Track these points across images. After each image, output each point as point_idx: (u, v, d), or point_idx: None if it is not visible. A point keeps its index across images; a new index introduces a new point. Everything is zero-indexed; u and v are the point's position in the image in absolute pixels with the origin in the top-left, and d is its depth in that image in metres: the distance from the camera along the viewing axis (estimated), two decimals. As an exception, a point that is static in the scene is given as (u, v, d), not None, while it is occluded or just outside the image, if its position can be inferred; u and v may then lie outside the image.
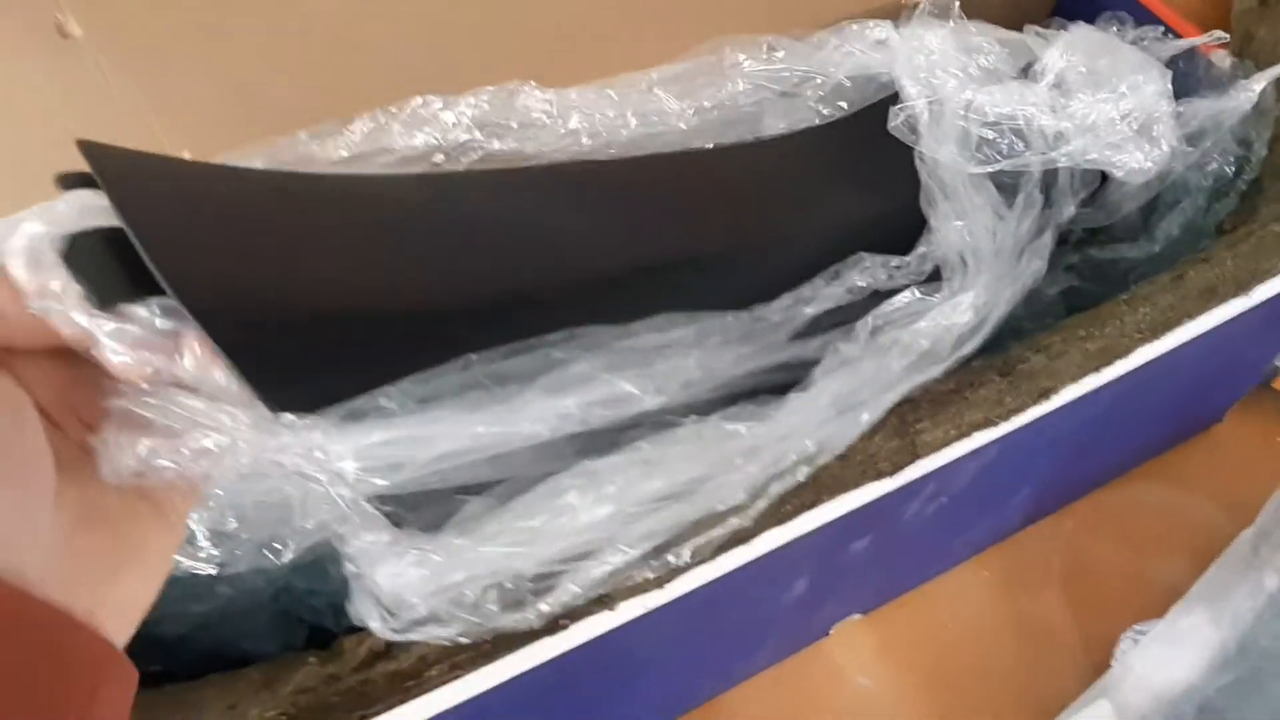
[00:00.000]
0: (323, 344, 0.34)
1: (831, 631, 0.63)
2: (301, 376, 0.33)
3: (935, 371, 0.45)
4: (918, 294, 0.45)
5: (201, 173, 0.37)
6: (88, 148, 0.31)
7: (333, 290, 0.35)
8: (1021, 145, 0.50)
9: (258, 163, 0.45)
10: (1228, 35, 0.63)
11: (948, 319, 0.45)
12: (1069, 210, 0.56)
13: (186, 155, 0.49)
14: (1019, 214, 0.50)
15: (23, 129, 0.50)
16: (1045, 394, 0.46)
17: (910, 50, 0.49)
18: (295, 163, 0.46)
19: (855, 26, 0.52)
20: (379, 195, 0.40)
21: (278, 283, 0.33)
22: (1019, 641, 0.65)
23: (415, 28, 0.53)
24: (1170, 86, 0.55)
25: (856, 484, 0.43)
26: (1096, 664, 0.64)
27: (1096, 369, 0.47)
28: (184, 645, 0.46)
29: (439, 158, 0.47)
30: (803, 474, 0.41)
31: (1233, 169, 0.59)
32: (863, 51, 0.51)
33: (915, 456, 0.44)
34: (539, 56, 0.54)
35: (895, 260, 0.45)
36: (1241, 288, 0.49)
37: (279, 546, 0.44)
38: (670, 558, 0.39)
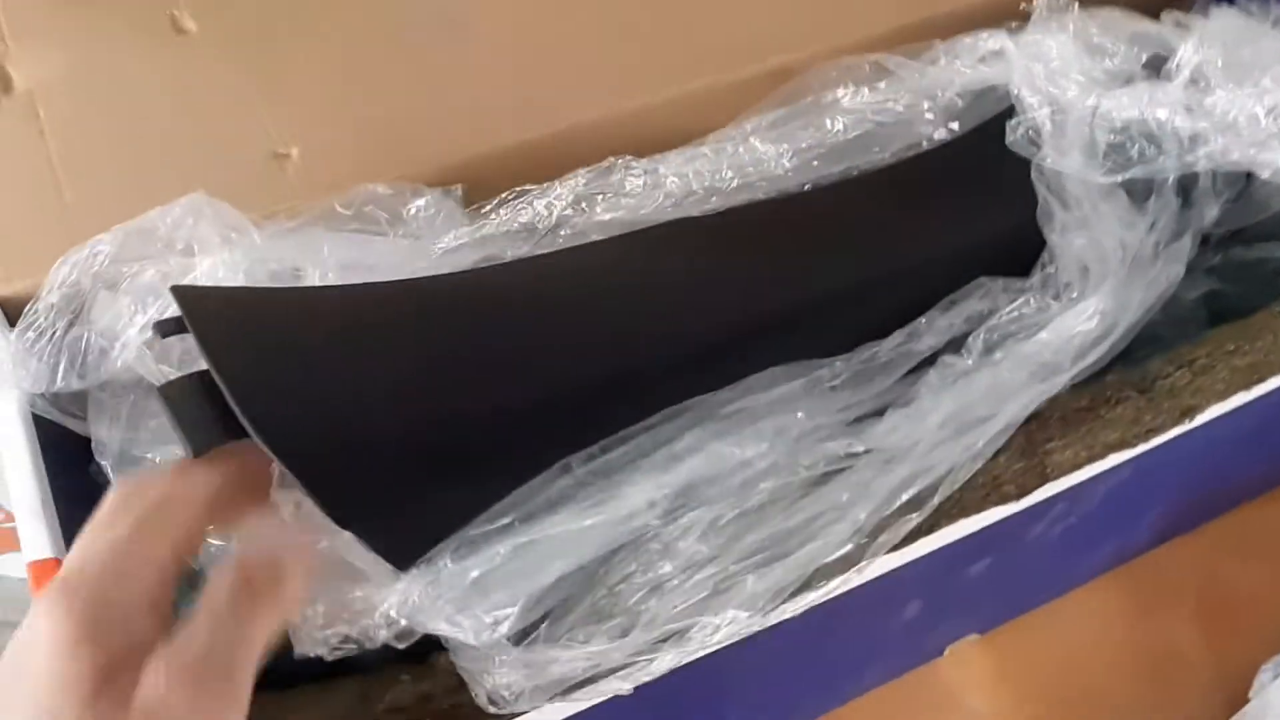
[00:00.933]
0: (425, 482, 0.33)
1: (946, 652, 0.61)
2: (412, 524, 0.33)
3: (1058, 383, 0.42)
4: (1034, 302, 0.42)
5: (291, 304, 0.38)
6: (180, 292, 0.32)
7: (424, 423, 0.34)
8: (1154, 150, 0.46)
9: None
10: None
11: (1070, 327, 0.42)
12: (1211, 212, 0.52)
13: (295, 152, 0.49)
14: (1152, 218, 0.47)
15: (138, 124, 0.50)
16: (1189, 413, 0.43)
17: (1028, 58, 0.46)
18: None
19: (968, 40, 0.49)
20: (461, 296, 0.40)
21: (371, 427, 0.33)
22: (1146, 669, 0.62)
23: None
24: None
25: (978, 508, 0.41)
26: (1231, 698, 0.60)
27: (1246, 386, 0.43)
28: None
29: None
30: (913, 521, 0.38)
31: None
32: (973, 67, 0.48)
33: (1044, 479, 0.41)
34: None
35: (1018, 283, 0.43)
36: None
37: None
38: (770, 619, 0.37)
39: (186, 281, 0.44)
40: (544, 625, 0.35)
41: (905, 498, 0.38)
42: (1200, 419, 0.43)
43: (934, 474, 0.38)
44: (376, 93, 0.51)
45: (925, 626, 0.55)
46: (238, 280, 0.45)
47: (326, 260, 0.46)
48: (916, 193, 0.48)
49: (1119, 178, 0.44)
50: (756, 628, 0.37)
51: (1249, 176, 0.52)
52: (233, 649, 0.28)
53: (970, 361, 0.41)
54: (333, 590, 0.32)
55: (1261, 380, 0.43)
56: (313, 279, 0.46)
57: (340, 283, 0.45)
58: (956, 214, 0.47)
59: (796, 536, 0.37)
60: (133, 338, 0.43)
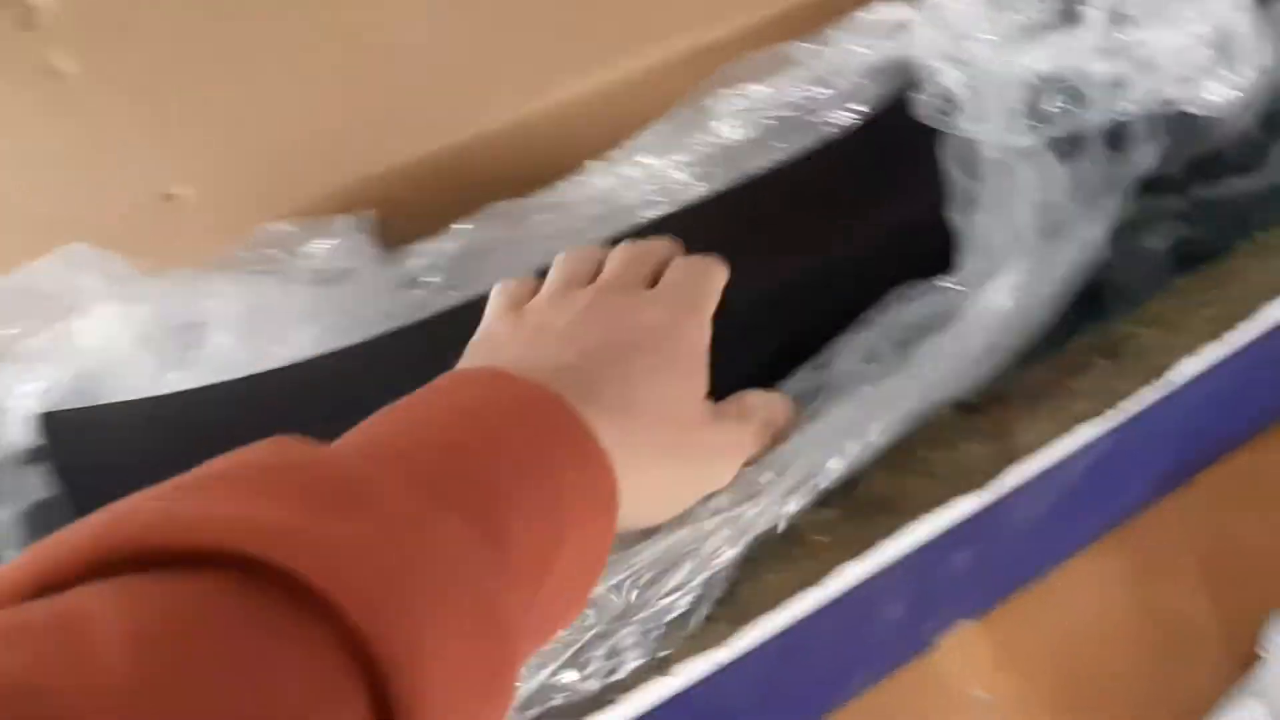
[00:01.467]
0: None
1: (940, 641, 0.58)
2: None
3: (978, 374, 0.40)
4: (944, 295, 0.40)
5: (154, 416, 0.40)
6: (47, 419, 0.38)
7: None
8: (1076, 102, 0.44)
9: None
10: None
11: (983, 310, 0.39)
12: (1148, 159, 0.49)
13: (189, 191, 0.46)
14: (1077, 175, 0.44)
15: (13, 174, 0.47)
16: (1159, 372, 0.40)
17: (931, 25, 0.43)
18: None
19: (865, 14, 0.46)
20: (305, 388, 0.41)
21: None
22: (1152, 636, 0.59)
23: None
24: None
25: (945, 500, 0.38)
26: (1242, 656, 0.57)
27: (1216, 335, 0.41)
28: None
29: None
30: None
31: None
32: (873, 44, 0.45)
33: (1011, 461, 0.38)
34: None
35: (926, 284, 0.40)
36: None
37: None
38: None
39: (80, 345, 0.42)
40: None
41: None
42: (1174, 377, 0.40)
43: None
44: (271, 119, 0.47)
45: (913, 622, 0.52)
46: (133, 339, 0.42)
47: (229, 311, 0.43)
48: (812, 194, 0.45)
49: (1042, 138, 0.42)
50: (719, 651, 0.35)
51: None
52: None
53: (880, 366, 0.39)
54: None
55: (1231, 328, 0.41)
56: (215, 332, 0.43)
57: (247, 331, 0.43)
58: (857, 212, 0.44)
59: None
60: (15, 408, 0.40)
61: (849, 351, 0.40)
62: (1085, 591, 0.60)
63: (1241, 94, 0.47)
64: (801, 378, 0.40)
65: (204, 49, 0.49)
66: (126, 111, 0.48)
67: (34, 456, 0.38)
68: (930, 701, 0.57)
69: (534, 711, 0.33)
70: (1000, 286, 0.39)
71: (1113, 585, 0.60)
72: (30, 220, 0.45)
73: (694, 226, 0.44)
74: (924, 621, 0.54)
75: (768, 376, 0.40)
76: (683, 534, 0.34)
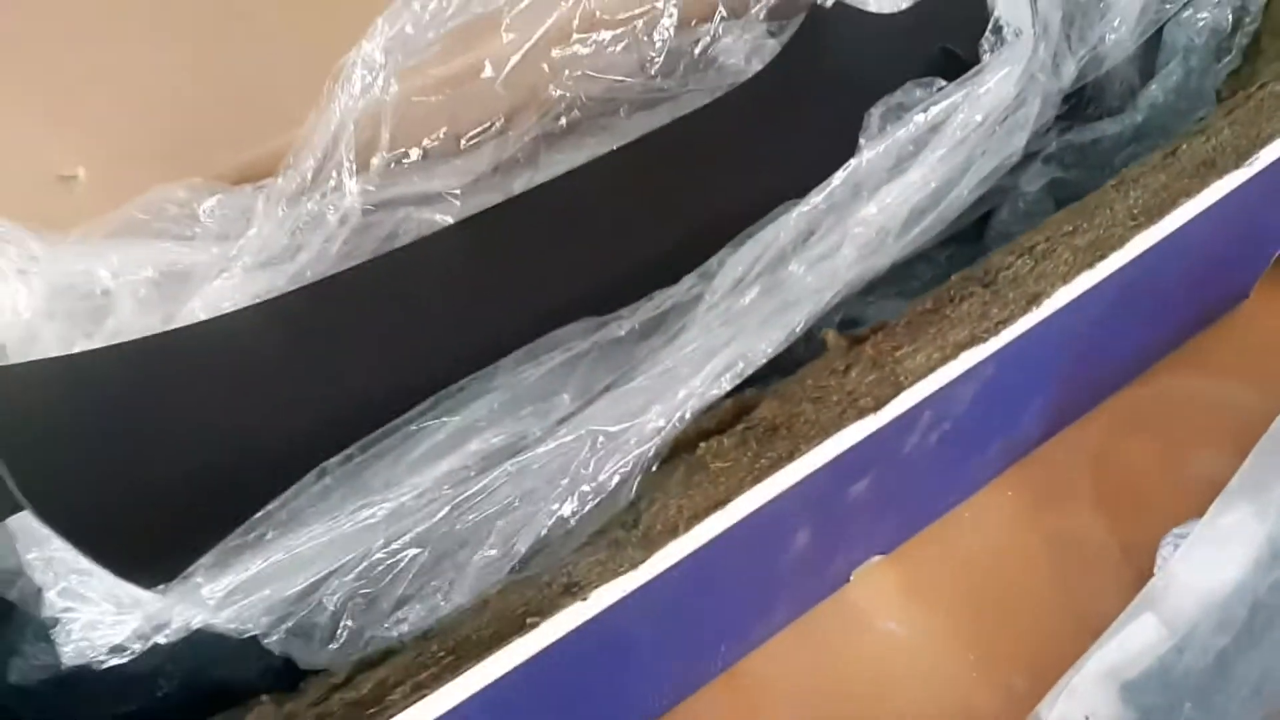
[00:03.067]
0: (179, 510, 0.39)
1: (853, 577, 0.61)
2: (167, 546, 0.38)
3: (881, 263, 0.43)
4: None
5: (68, 372, 0.41)
6: None
7: (183, 458, 0.40)
8: None
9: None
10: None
11: (900, 196, 0.43)
12: (1067, 70, 0.53)
13: (81, 172, 0.47)
14: (1004, 72, 0.47)
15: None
16: (1035, 299, 0.43)
17: None
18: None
19: None
20: (217, 342, 0.44)
21: (126, 471, 0.39)
22: (1054, 561, 0.63)
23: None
24: None
25: (838, 426, 0.41)
26: (1140, 574, 0.61)
27: (1090, 265, 0.44)
28: (159, 680, 0.45)
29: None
30: (725, 385, 0.40)
31: (1230, 23, 0.56)
32: None
33: (899, 388, 0.41)
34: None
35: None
36: (1242, 157, 0.46)
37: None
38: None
39: None
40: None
41: (725, 378, 0.39)
42: (1048, 305, 0.43)
43: (754, 353, 0.39)
44: (163, 96, 0.49)
45: (823, 554, 0.55)
46: (40, 308, 0.44)
47: (134, 275, 0.45)
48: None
49: None
50: (630, 576, 0.38)
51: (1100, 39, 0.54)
52: None
53: (786, 240, 0.41)
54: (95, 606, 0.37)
55: (1103, 256, 0.44)
56: (123, 296, 0.45)
57: (155, 294, 0.45)
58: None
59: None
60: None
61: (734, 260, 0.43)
62: (989, 523, 0.64)
63: None
64: (689, 284, 0.43)
65: (92, 31, 0.51)
66: (19, 97, 0.49)
67: None
68: (846, 634, 0.60)
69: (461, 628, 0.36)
70: (914, 179, 0.43)
71: (1015, 515, 0.64)
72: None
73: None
74: (836, 555, 0.57)
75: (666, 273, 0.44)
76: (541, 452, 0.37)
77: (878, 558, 0.61)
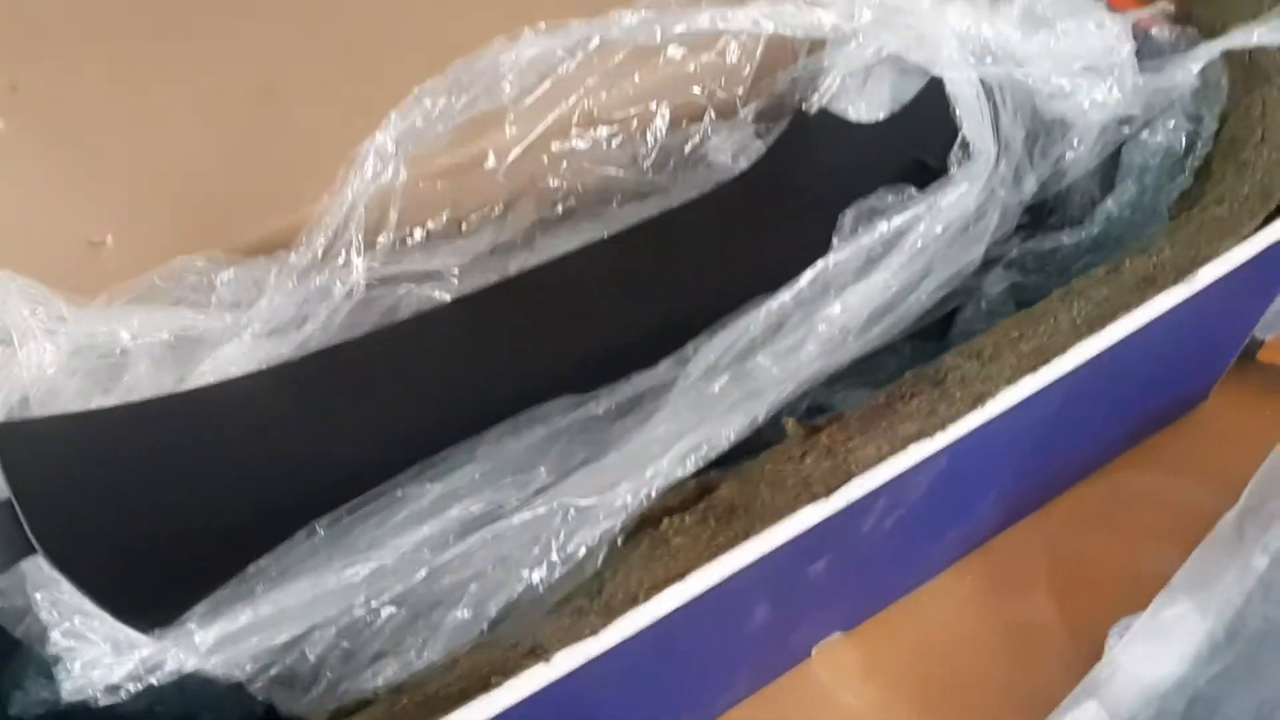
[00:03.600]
0: (178, 560, 0.42)
1: (814, 652, 0.64)
2: (165, 594, 0.41)
3: (842, 359, 0.47)
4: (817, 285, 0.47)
5: (84, 427, 0.45)
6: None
7: (185, 511, 0.44)
8: (990, 59, 0.51)
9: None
10: (1171, 7, 0.63)
11: (863, 297, 0.47)
12: (1030, 187, 0.57)
13: (109, 239, 0.51)
14: (965, 188, 0.51)
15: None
16: (980, 399, 0.47)
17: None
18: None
19: None
20: (223, 405, 0.47)
21: (132, 522, 0.43)
22: (1009, 646, 0.66)
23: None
24: (1131, 31, 0.56)
25: (792, 509, 0.44)
26: (1088, 662, 0.63)
27: (1033, 369, 0.47)
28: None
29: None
30: (690, 467, 0.43)
31: (1183, 146, 0.60)
32: None
33: (849, 475, 0.45)
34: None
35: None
36: (1182, 274, 0.50)
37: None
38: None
39: (8, 369, 0.46)
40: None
41: (690, 460, 0.43)
42: (993, 405, 0.47)
43: (718, 438, 0.43)
44: (190, 172, 0.53)
45: (782, 630, 0.58)
46: (63, 365, 0.47)
47: (152, 338, 0.48)
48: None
49: (952, 73, 0.50)
50: (592, 641, 0.41)
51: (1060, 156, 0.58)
52: None
53: (756, 333, 0.45)
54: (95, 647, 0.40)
55: (1046, 363, 0.47)
56: (140, 358, 0.48)
57: (169, 357, 0.48)
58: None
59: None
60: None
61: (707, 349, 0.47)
62: (946, 606, 0.67)
63: (1116, 101, 0.54)
64: (665, 368, 0.47)
65: (125, 107, 0.55)
66: (53, 164, 0.53)
67: None
68: (805, 707, 0.63)
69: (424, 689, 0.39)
70: (878, 282, 0.46)
71: (971, 600, 0.67)
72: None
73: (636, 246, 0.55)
74: (797, 630, 0.60)
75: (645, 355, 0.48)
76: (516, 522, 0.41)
77: (839, 634, 0.64)
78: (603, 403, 0.48)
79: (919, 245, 0.48)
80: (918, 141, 0.61)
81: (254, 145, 0.54)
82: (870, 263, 0.49)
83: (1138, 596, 0.65)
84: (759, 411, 0.45)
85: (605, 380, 0.49)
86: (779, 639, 0.59)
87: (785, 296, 0.48)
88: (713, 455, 0.44)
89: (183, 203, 0.52)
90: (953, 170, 0.53)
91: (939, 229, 0.49)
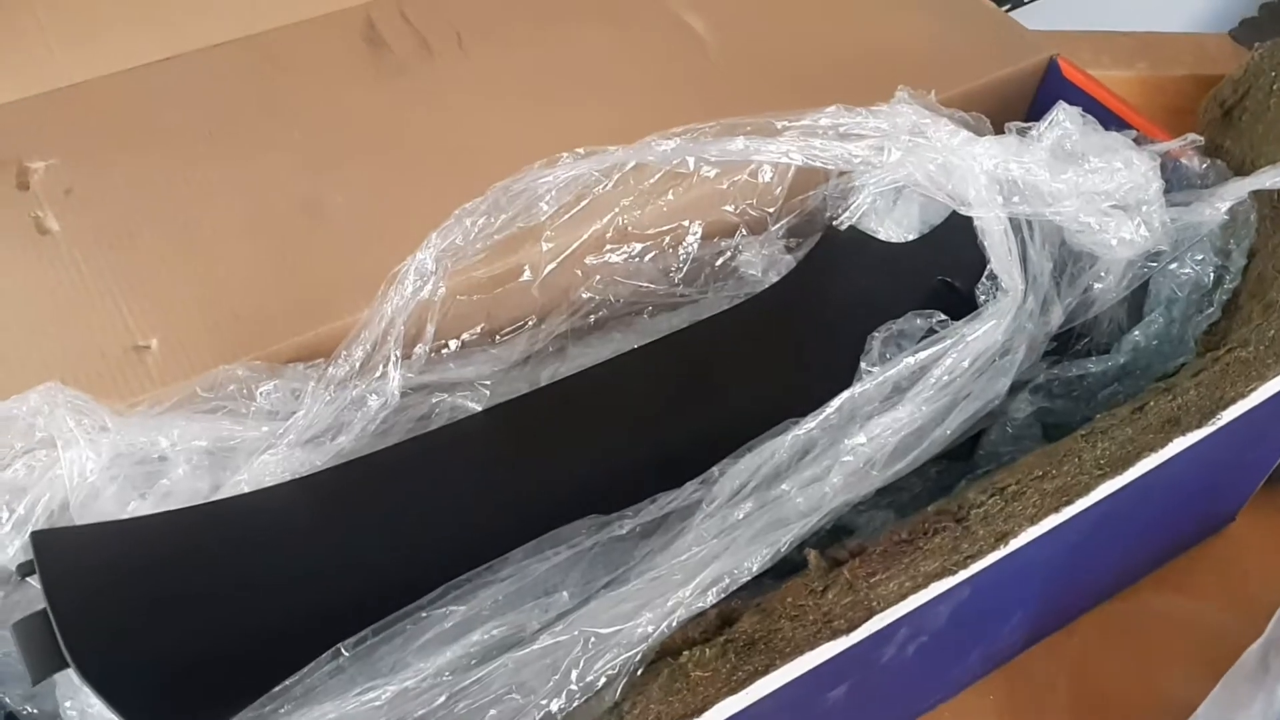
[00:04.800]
0: (209, 681, 0.43)
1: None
2: (192, 714, 0.42)
3: (866, 489, 0.47)
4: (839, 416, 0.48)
5: (117, 538, 0.46)
6: (35, 536, 0.43)
7: (213, 628, 0.44)
8: (1018, 198, 0.52)
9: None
10: (1202, 139, 0.64)
11: (886, 427, 0.47)
12: (1056, 316, 0.58)
13: (154, 343, 0.52)
14: (993, 324, 0.52)
15: (3, 320, 0.53)
16: (1003, 538, 0.47)
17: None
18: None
19: None
20: (255, 517, 0.48)
21: (165, 639, 0.43)
22: (1027, 768, 0.65)
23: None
24: (1159, 167, 0.57)
25: (812, 645, 0.44)
26: (1111, 790, 0.63)
27: (1056, 509, 0.48)
28: None
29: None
30: (711, 598, 0.44)
31: (1211, 279, 0.61)
32: None
33: (871, 612, 0.45)
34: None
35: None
36: (1205, 417, 0.50)
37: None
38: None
39: (50, 475, 0.47)
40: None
41: (712, 592, 0.43)
42: (1015, 543, 0.47)
43: (740, 570, 0.44)
44: (234, 280, 0.55)
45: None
46: (103, 470, 0.48)
47: (190, 446, 0.49)
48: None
49: (980, 213, 0.51)
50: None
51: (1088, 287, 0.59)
52: None
53: (781, 459, 0.46)
54: None
55: (1070, 502, 0.48)
56: (178, 464, 0.49)
57: (206, 463, 0.49)
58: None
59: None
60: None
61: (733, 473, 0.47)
62: (967, 726, 0.66)
63: (1144, 240, 0.55)
64: (690, 490, 0.47)
65: (175, 215, 0.57)
66: (103, 267, 0.55)
67: (23, 570, 0.44)
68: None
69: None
70: (901, 417, 0.47)
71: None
72: (11, 364, 0.51)
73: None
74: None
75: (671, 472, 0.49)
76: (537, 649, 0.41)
77: (857, 753, 0.64)
78: (628, 523, 0.48)
79: (946, 379, 0.49)
80: (946, 264, 0.62)
81: (297, 258, 0.55)
82: (897, 392, 0.50)
83: (1160, 721, 0.65)
84: (783, 542, 0.45)
85: (631, 499, 0.49)
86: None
87: (811, 424, 0.49)
88: (733, 588, 0.44)
89: (227, 310, 0.53)
90: (981, 303, 0.54)
91: (966, 363, 0.49)
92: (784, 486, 0.48)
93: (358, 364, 0.51)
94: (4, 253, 0.55)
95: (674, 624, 0.44)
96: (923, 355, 0.50)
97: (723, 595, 0.45)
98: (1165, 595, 0.72)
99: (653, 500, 0.49)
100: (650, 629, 0.43)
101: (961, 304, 0.57)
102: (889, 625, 0.47)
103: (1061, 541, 0.52)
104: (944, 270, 0.62)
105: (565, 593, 0.45)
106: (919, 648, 0.54)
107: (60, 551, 0.43)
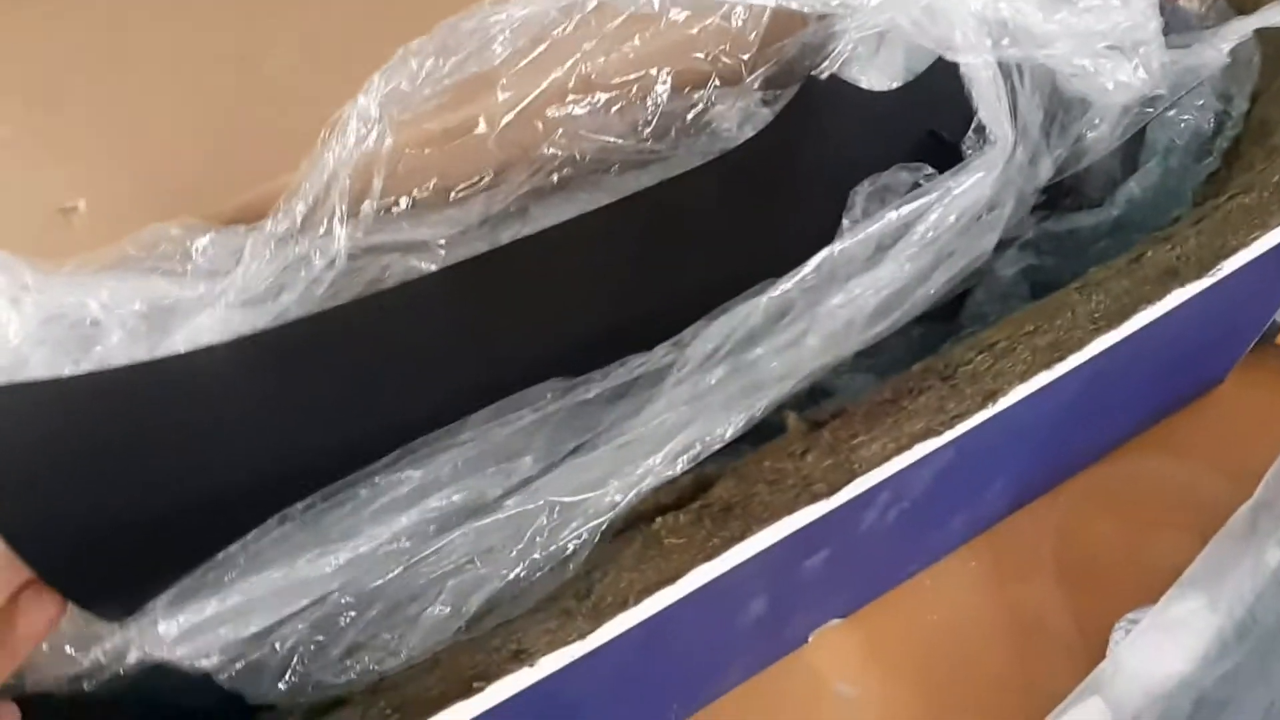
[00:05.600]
0: (145, 545, 0.40)
1: (810, 639, 0.63)
2: (130, 580, 0.40)
3: (845, 352, 0.45)
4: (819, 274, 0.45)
5: (47, 397, 0.42)
6: None
7: (152, 493, 0.41)
8: (1008, 40, 0.49)
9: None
10: (1202, -24, 0.61)
11: (866, 290, 0.45)
12: (1045, 171, 0.55)
13: (81, 205, 0.49)
14: (980, 175, 0.49)
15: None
16: (991, 396, 0.45)
17: None
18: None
19: None
20: (195, 376, 0.45)
21: (97, 502, 0.40)
22: (1011, 635, 0.65)
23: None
24: (1158, 5, 0.53)
25: (790, 510, 0.42)
26: (1093, 655, 0.63)
27: (1048, 365, 0.46)
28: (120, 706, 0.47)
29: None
30: (682, 466, 0.42)
31: (1211, 127, 0.58)
32: None
33: (852, 475, 0.43)
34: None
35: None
36: (1205, 268, 0.48)
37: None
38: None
39: None
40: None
41: (684, 459, 0.42)
42: (1004, 401, 0.45)
43: (713, 436, 0.42)
44: (165, 140, 0.51)
45: (780, 619, 0.57)
46: (29, 335, 0.45)
47: (124, 309, 0.46)
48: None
49: (967, 58, 0.48)
50: (578, 644, 0.39)
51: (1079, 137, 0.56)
52: None
53: (756, 322, 0.43)
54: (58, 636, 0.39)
55: (1063, 358, 0.46)
56: (111, 328, 0.46)
57: (142, 327, 0.47)
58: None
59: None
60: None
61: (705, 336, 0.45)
62: (948, 592, 0.65)
63: (1141, 82, 0.52)
64: (661, 353, 0.45)
65: (101, 68, 0.53)
66: (23, 125, 0.51)
67: None
68: (799, 694, 0.62)
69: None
70: (882, 277, 0.44)
71: (976, 586, 0.66)
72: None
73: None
74: (792, 618, 0.59)
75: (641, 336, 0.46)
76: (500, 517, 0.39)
77: (837, 620, 0.63)
78: (595, 386, 0.46)
79: (930, 235, 0.46)
80: (932, 113, 0.59)
81: (232, 112, 0.51)
82: (879, 251, 0.47)
83: (1146, 587, 0.64)
84: (757, 407, 0.43)
85: (598, 363, 0.47)
86: (774, 628, 0.58)
87: (788, 284, 0.46)
88: (705, 455, 0.42)
89: (158, 169, 0.50)
90: (968, 155, 0.51)
91: (952, 218, 0.47)
92: (759, 350, 0.46)
93: (299, 219, 0.47)
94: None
95: (643, 492, 0.42)
96: (906, 210, 0.47)
97: (695, 463, 0.43)
98: (1152, 458, 0.71)
99: (622, 363, 0.47)
100: (619, 497, 0.41)
101: (950, 156, 0.54)
102: (870, 489, 0.45)
103: (1050, 401, 0.50)
104: (931, 120, 0.58)
105: (529, 457, 0.43)
106: (900, 513, 0.52)
107: None
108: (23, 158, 0.50)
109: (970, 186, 0.46)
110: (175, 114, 0.51)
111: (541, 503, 0.40)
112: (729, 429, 0.42)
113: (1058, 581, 0.66)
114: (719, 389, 0.44)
